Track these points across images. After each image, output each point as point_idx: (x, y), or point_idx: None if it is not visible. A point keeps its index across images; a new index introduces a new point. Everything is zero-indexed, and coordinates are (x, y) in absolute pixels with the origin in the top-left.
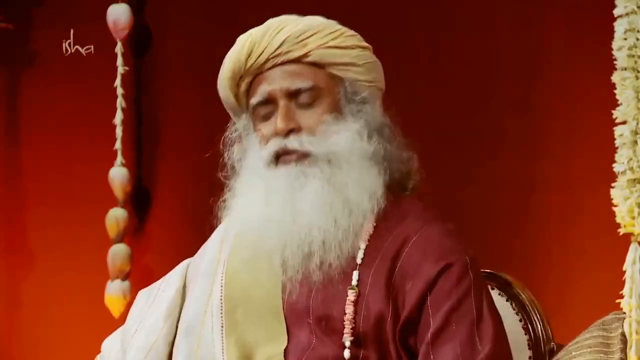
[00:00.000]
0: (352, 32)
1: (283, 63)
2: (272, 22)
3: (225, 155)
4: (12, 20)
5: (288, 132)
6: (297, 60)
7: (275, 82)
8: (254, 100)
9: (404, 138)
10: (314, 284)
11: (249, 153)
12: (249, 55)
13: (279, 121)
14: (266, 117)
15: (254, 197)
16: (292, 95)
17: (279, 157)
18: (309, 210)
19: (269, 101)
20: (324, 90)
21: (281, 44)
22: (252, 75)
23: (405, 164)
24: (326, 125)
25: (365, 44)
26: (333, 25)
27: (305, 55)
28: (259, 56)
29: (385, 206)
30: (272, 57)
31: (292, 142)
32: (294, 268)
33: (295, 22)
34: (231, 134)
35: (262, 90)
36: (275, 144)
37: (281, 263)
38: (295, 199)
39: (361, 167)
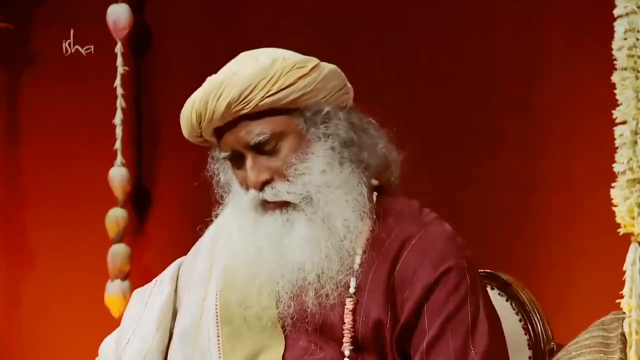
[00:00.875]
0: (290, 64)
1: (237, 119)
2: (210, 87)
3: (215, 180)
4: (12, 20)
5: (262, 185)
6: (249, 114)
7: (234, 138)
8: (222, 155)
9: (377, 131)
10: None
11: (234, 186)
12: (200, 122)
13: (249, 176)
14: (238, 165)
15: (243, 240)
16: (255, 147)
17: (262, 202)
18: (299, 250)
19: (236, 154)
20: (283, 132)
21: (226, 109)
22: (210, 128)
23: (382, 159)
24: (295, 166)
25: (309, 67)
26: (268, 69)
27: (255, 108)
28: (210, 121)
29: (377, 209)
30: (223, 118)
31: (268, 194)
32: (287, 299)
33: (232, 83)
34: (213, 164)
35: (227, 146)
36: (253, 197)
37: (275, 296)
38: (284, 243)
39: (341, 192)
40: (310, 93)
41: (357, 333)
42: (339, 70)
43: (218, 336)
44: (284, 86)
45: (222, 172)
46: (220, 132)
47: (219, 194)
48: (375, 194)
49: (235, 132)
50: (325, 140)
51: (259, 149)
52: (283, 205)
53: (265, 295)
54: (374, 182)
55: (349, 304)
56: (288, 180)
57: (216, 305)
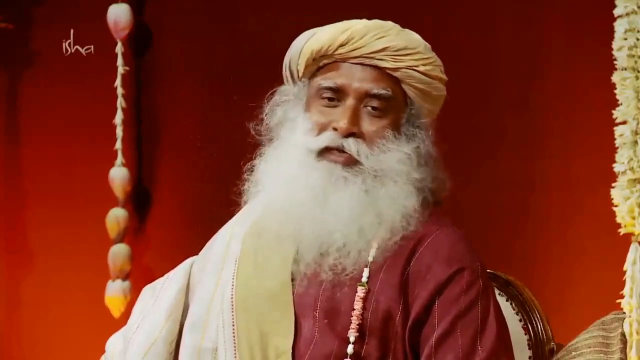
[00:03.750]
0: (439, 61)
1: (370, 65)
2: (376, 24)
3: (265, 112)
4: (12, 20)
5: (349, 134)
6: (383, 68)
7: (354, 78)
8: (324, 83)
9: (442, 163)
10: (324, 279)
11: (294, 128)
12: (343, 44)
13: (344, 119)
14: (329, 105)
15: (286, 178)
16: (366, 97)
17: (327, 151)
18: (336, 214)
19: (339, 91)
20: (395, 105)
21: (379, 51)
22: (333, 59)
23: (437, 186)
24: (385, 140)
25: (444, 77)
26: (428, 50)
27: (395, 69)
28: (353, 50)
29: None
30: (364, 57)
31: (351, 146)
32: (306, 263)
33: (399, 34)
34: (280, 97)
35: (337, 79)
36: (330, 139)
37: (295, 254)
38: (327, 198)
39: (403, 188)
40: (430, 98)
41: (365, 321)
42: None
43: (233, 320)
44: (427, 73)
45: (284, 108)
46: (339, 64)
47: (266, 130)
48: (417, 214)
49: (360, 75)
50: (411, 142)
51: (369, 102)
52: (351, 163)
53: (287, 253)
54: (419, 204)
55: (360, 292)
56: (372, 147)
57: (232, 292)
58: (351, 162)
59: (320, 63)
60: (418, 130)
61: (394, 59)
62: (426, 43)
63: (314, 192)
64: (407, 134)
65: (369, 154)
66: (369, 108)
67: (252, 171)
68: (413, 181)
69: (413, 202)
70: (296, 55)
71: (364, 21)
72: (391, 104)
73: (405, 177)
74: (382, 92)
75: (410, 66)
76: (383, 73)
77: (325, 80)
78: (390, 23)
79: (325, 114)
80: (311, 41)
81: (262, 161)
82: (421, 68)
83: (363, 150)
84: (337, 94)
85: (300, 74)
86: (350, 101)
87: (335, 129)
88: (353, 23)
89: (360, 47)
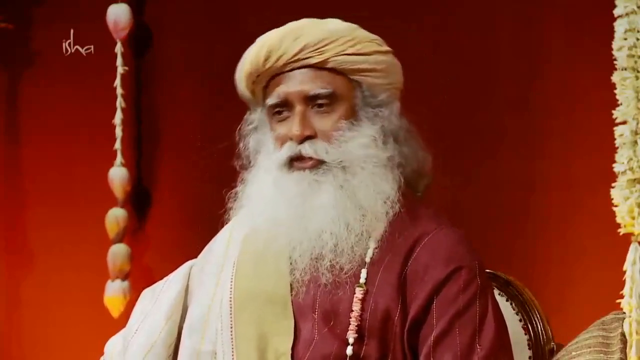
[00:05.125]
0: (372, 37)
1: (301, 67)
2: (290, 27)
3: (241, 145)
4: (12, 20)
5: (303, 139)
6: (315, 66)
7: (292, 86)
8: (270, 101)
9: (420, 138)
10: (323, 282)
11: (263, 151)
12: (267, 59)
13: (294, 127)
14: (282, 119)
15: (265, 199)
16: (309, 100)
17: (293, 161)
18: (320, 217)
19: (285, 103)
20: (341, 96)
21: (299, 51)
22: (269, 75)
23: (419, 165)
24: (341, 131)
25: (385, 48)
26: (353, 31)
27: (324, 62)
28: (277, 60)
29: (398, 210)
30: (290, 62)
31: (307, 149)
32: (302, 270)
33: (314, 29)
34: (247, 125)
35: (279, 92)
36: (289, 149)
37: (290, 264)
38: (307, 205)
39: (375, 172)
40: (378, 72)
41: (364, 322)
42: (402, 71)
43: (231, 323)
44: (360, 52)
45: (254, 136)
46: (276, 79)
47: (244, 159)
48: (397, 194)
49: (295, 80)
50: (374, 123)
51: (313, 103)
52: (315, 165)
53: (282, 264)
54: (401, 184)
55: (359, 293)
56: (330, 142)
57: (230, 295)
58: (317, 164)
59: (264, 83)
60: (379, 109)
61: (318, 52)
62: (350, 25)
63: (294, 203)
64: (367, 117)
65: (328, 150)
66: (316, 107)
67: (235, 199)
68: (384, 162)
69: (390, 184)
70: (240, 85)
71: (277, 30)
72: (336, 96)
73: (374, 161)
74: (320, 91)
75: (337, 53)
76: (318, 70)
77: (270, 98)
78: (303, 20)
79: (282, 127)
80: (242, 69)
81: (243, 187)
82: (350, 50)
83: (320, 149)
84: (285, 106)
85: (257, 99)
86: (297, 108)
87: (291, 139)
88: (267, 36)
89: (282, 55)
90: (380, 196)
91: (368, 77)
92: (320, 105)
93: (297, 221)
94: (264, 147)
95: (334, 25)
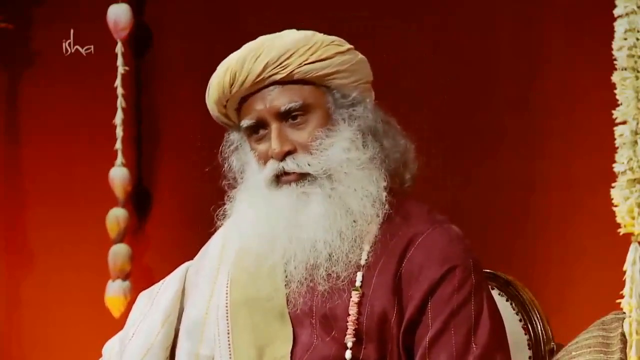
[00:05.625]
0: (329, 39)
1: (268, 85)
2: (249, 48)
3: (225, 166)
4: (12, 20)
5: (284, 155)
6: (282, 81)
7: (263, 105)
8: (244, 123)
9: (398, 125)
10: (319, 290)
11: (248, 170)
12: (232, 84)
13: (273, 144)
14: (259, 138)
15: (256, 216)
16: (282, 115)
17: (279, 177)
18: (312, 227)
19: (260, 123)
20: (313, 105)
21: (262, 70)
22: (238, 98)
23: (402, 154)
24: (320, 140)
25: (346, 47)
26: (309, 38)
27: (289, 75)
28: (242, 83)
29: (388, 208)
30: (256, 82)
31: (289, 165)
32: (298, 282)
33: (272, 45)
34: (228, 146)
35: (252, 113)
36: (273, 168)
37: (285, 277)
38: (299, 217)
39: (360, 175)
40: (344, 73)
41: (362, 326)
42: (368, 63)
43: (228, 329)
44: (321, 57)
45: (236, 156)
46: (247, 101)
47: (231, 179)
48: (385, 194)
49: (265, 99)
50: (351, 124)
51: (287, 117)
52: (300, 178)
53: (277, 277)
54: (387, 182)
55: (355, 297)
56: (311, 153)
57: (226, 300)
58: (302, 177)
59: (235, 105)
60: (352, 109)
61: (282, 67)
62: (307, 32)
63: (286, 217)
64: (343, 119)
65: (310, 162)
66: (290, 121)
67: (224, 216)
68: (367, 164)
69: (376, 184)
70: (213, 112)
71: (236, 53)
72: (308, 106)
73: (357, 164)
74: (291, 105)
75: (300, 64)
76: (284, 84)
77: (244, 120)
78: (260, 39)
79: (261, 146)
80: (210, 96)
81: (232, 204)
82: (312, 58)
83: (302, 162)
84: (260, 126)
85: (233, 121)
86: (272, 125)
87: (272, 157)
88: (228, 61)
89: (247, 77)
90: (368, 199)
91: (335, 79)
92: (295, 118)
93: (289, 234)
94: (248, 166)
95: (290, 37)
